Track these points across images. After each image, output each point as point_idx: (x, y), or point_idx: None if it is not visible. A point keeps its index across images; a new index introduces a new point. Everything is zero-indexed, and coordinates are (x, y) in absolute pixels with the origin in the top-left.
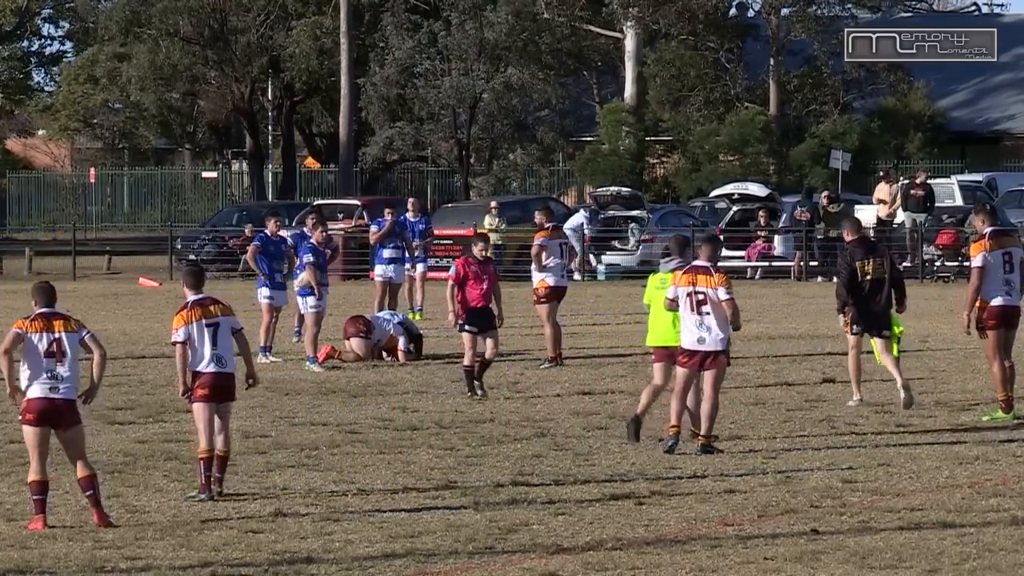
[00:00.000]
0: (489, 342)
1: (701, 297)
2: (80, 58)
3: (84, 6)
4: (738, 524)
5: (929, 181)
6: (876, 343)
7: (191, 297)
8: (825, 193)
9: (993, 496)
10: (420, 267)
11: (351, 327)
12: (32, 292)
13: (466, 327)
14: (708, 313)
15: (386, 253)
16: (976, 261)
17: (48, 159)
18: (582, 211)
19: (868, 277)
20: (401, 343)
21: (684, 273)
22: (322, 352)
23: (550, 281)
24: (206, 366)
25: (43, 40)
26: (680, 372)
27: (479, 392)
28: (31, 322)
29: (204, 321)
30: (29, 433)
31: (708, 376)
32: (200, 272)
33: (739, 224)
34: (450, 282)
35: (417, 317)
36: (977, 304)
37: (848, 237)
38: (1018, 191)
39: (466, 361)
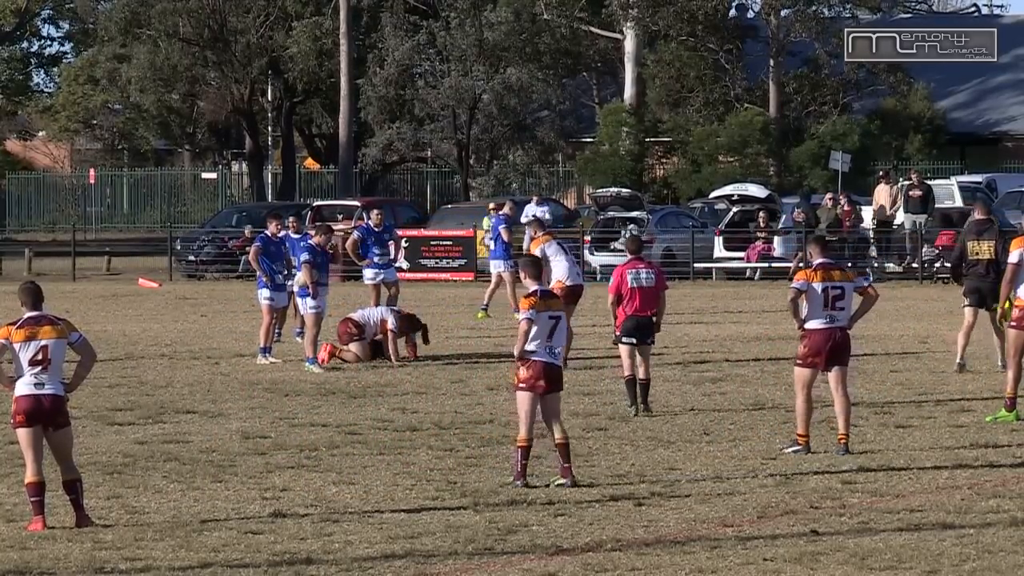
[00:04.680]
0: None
1: (838, 292)
2: (80, 59)
3: (84, 7)
4: (738, 525)
5: (927, 181)
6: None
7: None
8: (829, 195)
9: (993, 497)
10: (504, 266)
11: (344, 333)
12: (19, 293)
13: (623, 339)
14: (842, 308)
15: (375, 256)
16: (1012, 257)
17: (48, 160)
18: (534, 202)
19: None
20: (390, 322)
21: (816, 270)
22: (324, 351)
23: (566, 280)
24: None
25: (43, 41)
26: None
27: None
28: (17, 329)
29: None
30: (22, 434)
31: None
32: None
33: (739, 225)
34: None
35: (480, 316)
36: (1016, 303)
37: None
38: (1018, 192)
39: (625, 372)
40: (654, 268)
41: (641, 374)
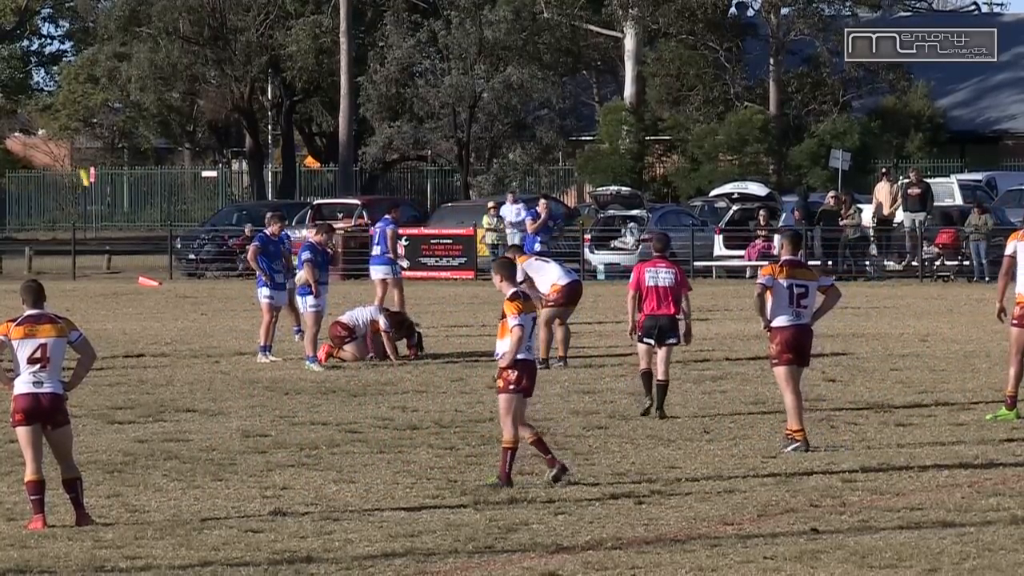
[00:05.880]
0: (661, 353)
1: (802, 290)
2: (80, 58)
3: (84, 5)
4: (738, 523)
5: (926, 179)
6: None
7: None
8: (832, 193)
9: (993, 495)
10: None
11: (335, 336)
12: (21, 291)
13: (642, 339)
14: (805, 307)
15: (375, 251)
16: (1008, 249)
17: (48, 158)
18: (509, 200)
19: None
20: (382, 323)
21: (782, 267)
22: (322, 351)
23: (561, 282)
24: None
25: (43, 39)
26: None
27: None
28: (17, 326)
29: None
30: (21, 433)
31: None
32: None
33: (739, 223)
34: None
35: None
36: (1016, 300)
37: None
38: (1017, 190)
39: (642, 365)
40: (674, 268)
41: (659, 375)
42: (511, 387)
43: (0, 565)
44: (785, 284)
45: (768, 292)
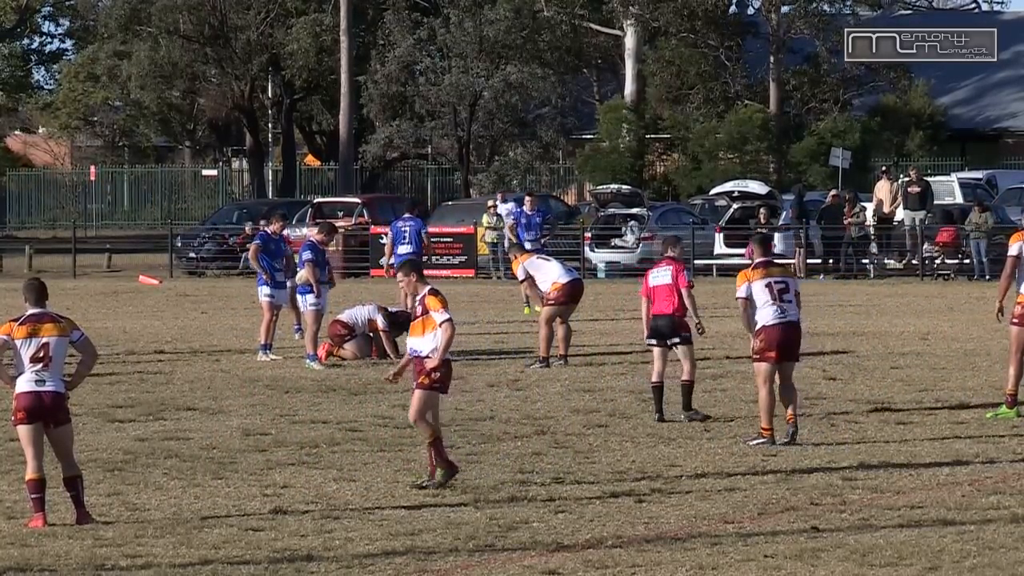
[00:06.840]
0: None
1: (782, 286)
2: (80, 56)
3: (84, 4)
4: (738, 522)
5: (925, 177)
6: None
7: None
8: (832, 192)
9: (993, 494)
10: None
11: (335, 335)
12: (23, 290)
13: (647, 340)
14: (789, 301)
15: (402, 250)
16: (1012, 250)
17: (48, 157)
18: (499, 198)
19: None
20: (380, 322)
21: (755, 269)
22: (322, 350)
23: (562, 279)
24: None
25: (43, 38)
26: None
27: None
28: (19, 326)
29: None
30: (22, 432)
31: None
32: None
33: (739, 222)
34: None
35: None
36: (1017, 299)
37: None
38: (1018, 189)
39: (652, 377)
40: (672, 265)
41: (682, 375)
42: (436, 385)
43: (1, 563)
44: (764, 283)
45: (747, 302)
